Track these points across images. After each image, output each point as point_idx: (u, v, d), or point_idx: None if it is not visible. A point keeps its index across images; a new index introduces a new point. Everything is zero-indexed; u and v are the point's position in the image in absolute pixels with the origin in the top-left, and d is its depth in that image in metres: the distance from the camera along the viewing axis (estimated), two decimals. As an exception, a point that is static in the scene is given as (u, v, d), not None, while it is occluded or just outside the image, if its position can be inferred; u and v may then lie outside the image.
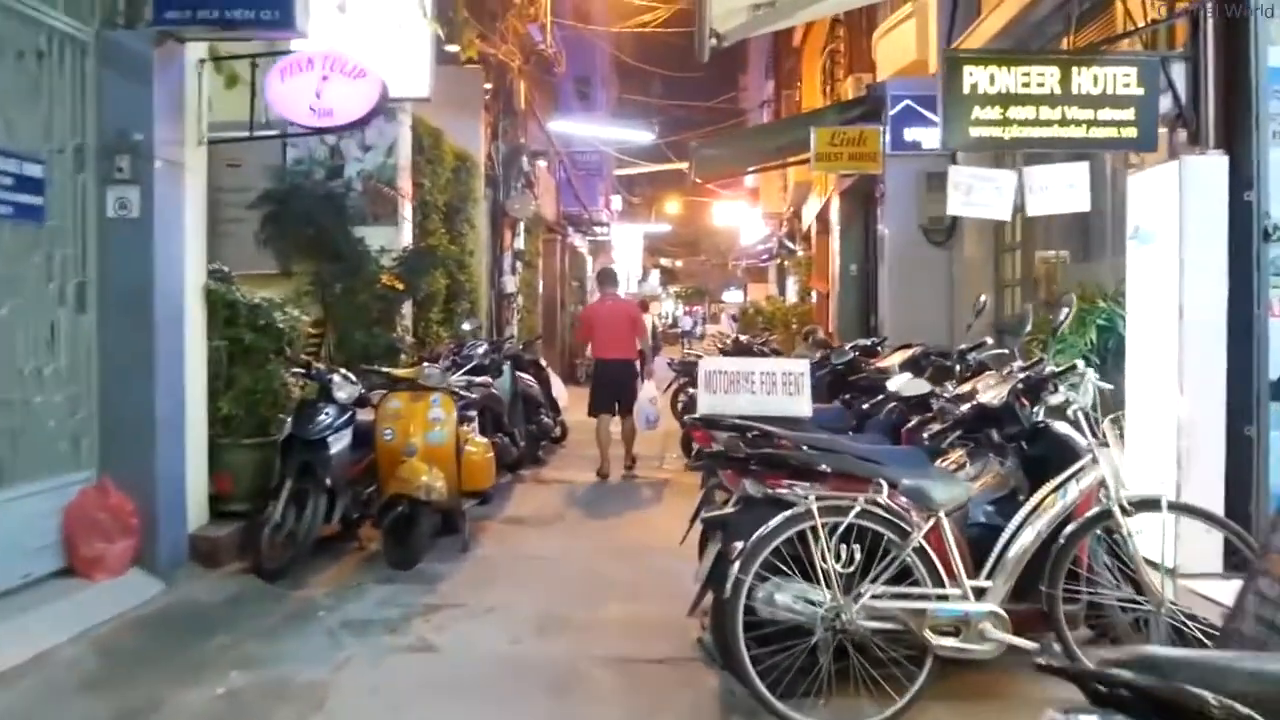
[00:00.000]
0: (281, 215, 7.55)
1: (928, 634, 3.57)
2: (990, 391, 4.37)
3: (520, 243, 15.58)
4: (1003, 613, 3.65)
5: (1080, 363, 4.13)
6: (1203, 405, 4.54)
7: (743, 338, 13.79)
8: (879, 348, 8.55)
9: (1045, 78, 4.87)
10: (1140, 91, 4.83)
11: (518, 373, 9.44)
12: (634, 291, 27.95)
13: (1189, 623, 3.70)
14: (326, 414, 5.91)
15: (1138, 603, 3.80)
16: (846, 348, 8.64)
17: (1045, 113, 4.90)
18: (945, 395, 4.98)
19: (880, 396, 6.45)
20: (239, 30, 5.27)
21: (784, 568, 3.59)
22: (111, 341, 5.17)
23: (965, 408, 4.45)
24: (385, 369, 6.74)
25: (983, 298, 6.78)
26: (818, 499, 3.58)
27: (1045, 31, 7.02)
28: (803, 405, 4.79)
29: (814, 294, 18.08)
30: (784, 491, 3.69)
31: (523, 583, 5.64)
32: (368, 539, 6.25)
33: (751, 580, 3.53)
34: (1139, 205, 4.93)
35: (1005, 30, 7.33)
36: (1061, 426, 4.05)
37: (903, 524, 3.61)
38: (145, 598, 4.96)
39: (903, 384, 5.87)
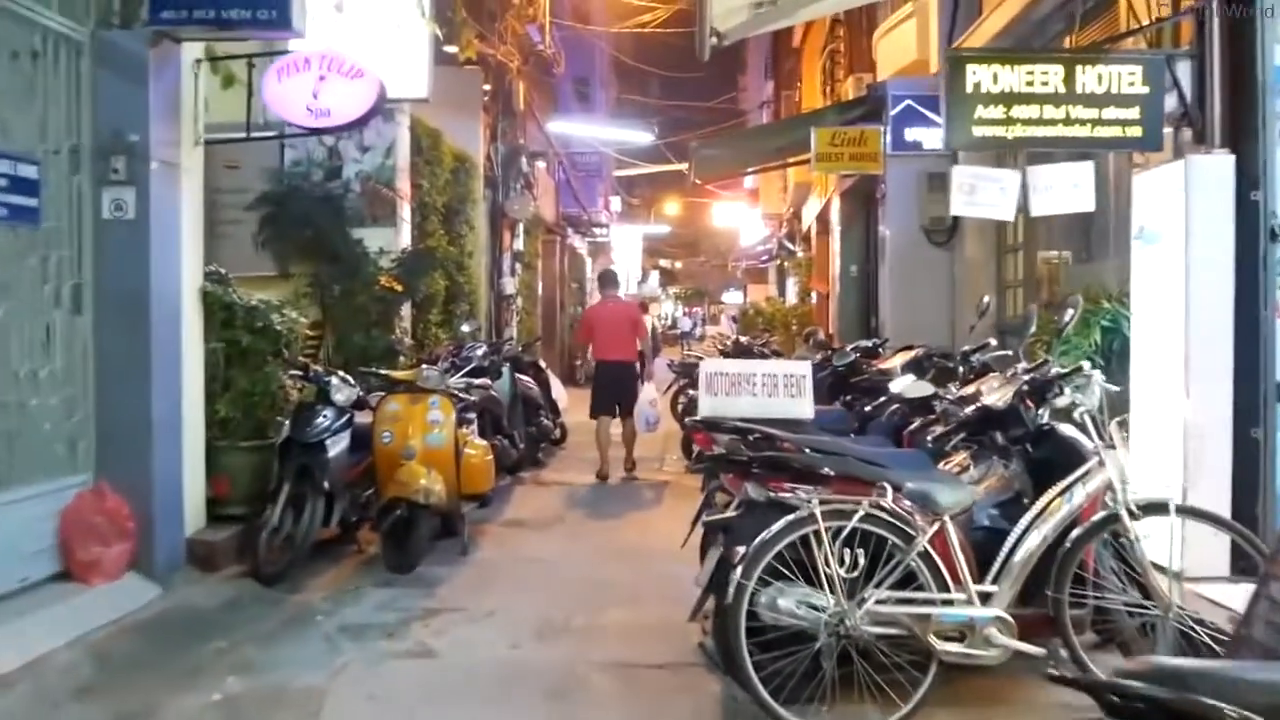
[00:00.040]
0: (279, 217, 7.52)
1: (932, 639, 3.53)
2: (995, 394, 4.33)
3: (519, 244, 15.55)
4: (1008, 618, 3.60)
5: (1086, 364, 4.08)
6: (1209, 407, 4.51)
7: (743, 339, 13.76)
8: (880, 349, 8.51)
9: (1049, 76, 4.85)
10: (1145, 90, 4.80)
11: (517, 374, 9.41)
12: (633, 293, 27.89)
13: (1197, 628, 3.66)
14: (324, 417, 5.87)
15: (1145, 607, 3.76)
16: (848, 349, 8.60)
17: (1049, 112, 4.87)
18: (949, 397, 4.93)
19: (883, 398, 6.41)
20: (235, 30, 5.23)
21: (787, 572, 3.55)
22: (107, 344, 5.13)
23: (970, 410, 4.41)
24: (384, 371, 6.71)
25: (986, 299, 6.75)
26: (821, 503, 3.54)
27: (1047, 30, 6.99)
28: (805, 407, 4.74)
29: (814, 295, 18.04)
30: (787, 495, 3.65)
31: (522, 586, 5.60)
32: (366, 542, 6.21)
33: (754, 585, 3.49)
34: (1144, 205, 4.89)
35: (1007, 29, 7.31)
36: (1067, 429, 4.01)
37: (907, 528, 3.57)
38: (142, 602, 4.94)
39: (906, 386, 5.83)
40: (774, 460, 3.92)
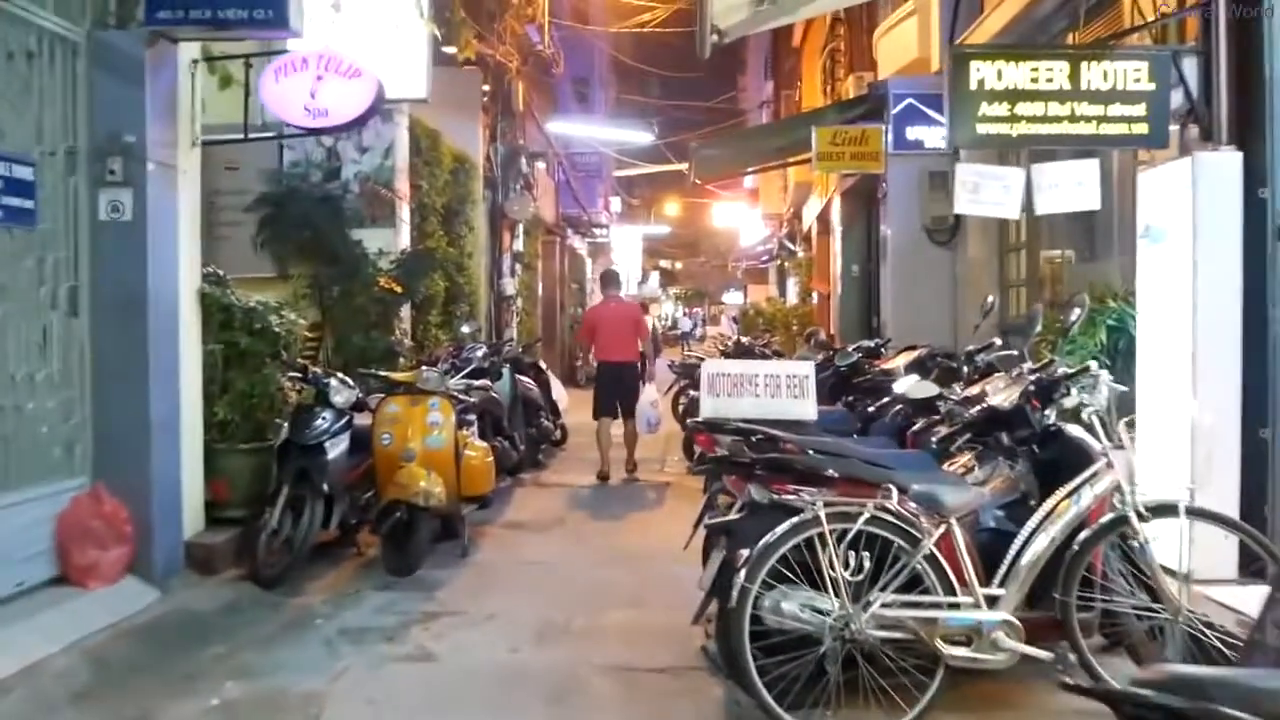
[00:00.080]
0: (278, 218, 7.47)
1: (939, 643, 3.48)
2: (1001, 394, 4.29)
3: (519, 245, 15.53)
4: (1015, 621, 3.56)
5: (1093, 364, 4.04)
6: (1217, 407, 4.47)
7: (744, 339, 13.72)
8: (882, 349, 8.48)
9: (1054, 73, 4.80)
10: (1151, 87, 4.75)
11: (517, 375, 9.37)
12: (634, 293, 27.88)
13: (1206, 631, 3.62)
14: (324, 419, 5.84)
15: (1153, 611, 3.72)
16: (850, 349, 8.56)
17: (1054, 109, 4.83)
18: (953, 398, 4.89)
19: (885, 399, 6.38)
20: (232, 30, 5.19)
21: (791, 575, 3.51)
22: (105, 346, 5.09)
23: (975, 410, 4.37)
24: (383, 373, 6.67)
25: (991, 299, 6.72)
26: (825, 505, 3.50)
27: (1050, 27, 6.95)
28: (808, 408, 4.71)
29: (815, 295, 18.00)
30: (790, 497, 3.61)
31: (523, 589, 5.56)
32: (366, 545, 6.18)
33: (758, 588, 3.46)
34: (1150, 203, 4.85)
35: (1009, 27, 7.27)
36: (1074, 430, 3.97)
37: (913, 530, 3.52)
38: (140, 606, 4.90)
39: (910, 386, 5.79)
40: (777, 462, 3.88)
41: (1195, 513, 3.77)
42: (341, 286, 7.86)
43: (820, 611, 3.49)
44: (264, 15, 4.97)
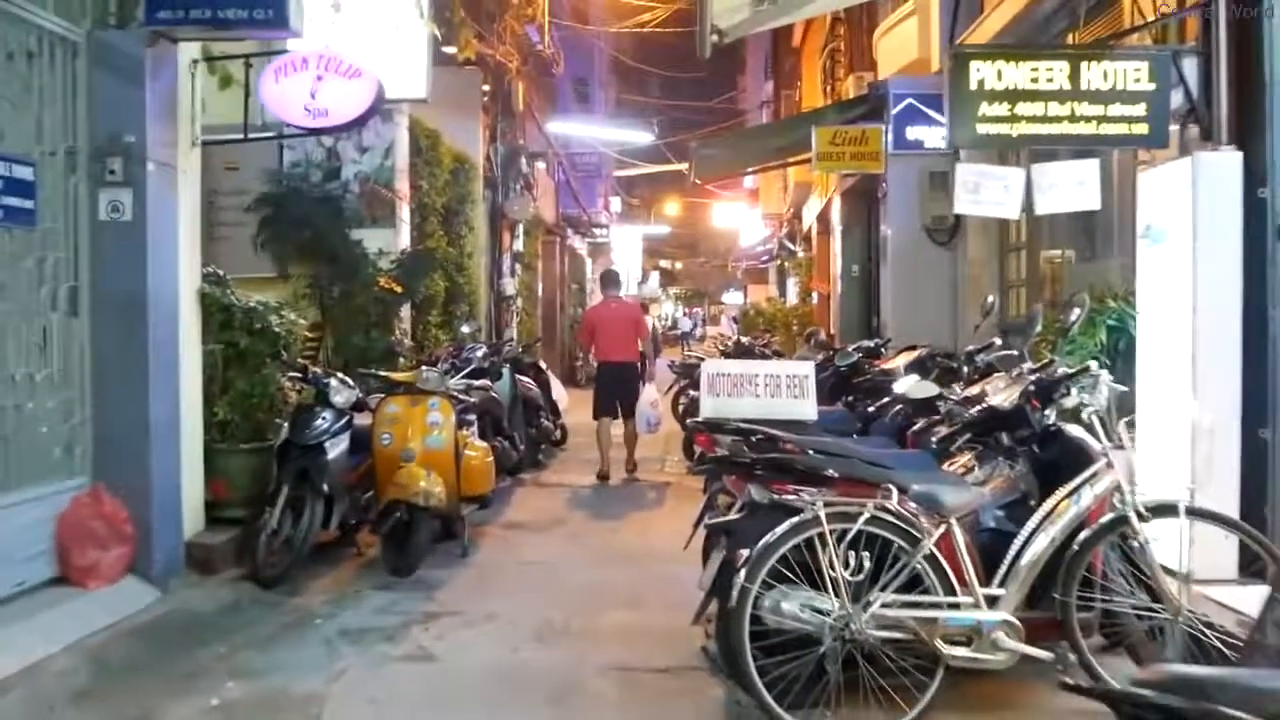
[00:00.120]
0: (278, 218, 7.48)
1: (939, 643, 3.49)
2: (1001, 394, 4.29)
3: (519, 245, 15.52)
4: (1015, 621, 3.56)
5: (1093, 364, 4.04)
6: (1217, 407, 4.47)
7: (744, 339, 13.71)
8: (882, 349, 8.48)
9: (1054, 73, 4.80)
10: (1151, 87, 4.75)
11: (517, 376, 9.37)
12: (634, 293, 27.89)
13: (1206, 631, 3.62)
14: (323, 419, 5.84)
15: (1153, 610, 3.72)
16: (850, 349, 8.56)
17: (1054, 109, 4.83)
18: (953, 398, 4.89)
19: (886, 399, 6.37)
20: (232, 30, 5.19)
21: (791, 575, 3.51)
22: (105, 346, 5.10)
23: (975, 410, 4.37)
24: (383, 373, 6.67)
25: (991, 299, 6.72)
26: (825, 505, 3.50)
27: (1050, 27, 6.95)
28: (808, 408, 4.72)
29: (815, 295, 18.00)
30: (790, 497, 3.61)
31: (523, 589, 5.56)
32: (366, 545, 6.18)
33: (758, 588, 3.45)
34: (1150, 203, 4.85)
35: (1009, 27, 7.27)
36: (1074, 429, 3.97)
37: (913, 530, 3.52)
38: (140, 606, 4.90)
39: (910, 386, 5.79)
40: (777, 462, 3.88)
41: (1195, 513, 3.77)
42: (341, 286, 7.86)
43: (820, 611, 3.49)
44: (264, 15, 4.97)
